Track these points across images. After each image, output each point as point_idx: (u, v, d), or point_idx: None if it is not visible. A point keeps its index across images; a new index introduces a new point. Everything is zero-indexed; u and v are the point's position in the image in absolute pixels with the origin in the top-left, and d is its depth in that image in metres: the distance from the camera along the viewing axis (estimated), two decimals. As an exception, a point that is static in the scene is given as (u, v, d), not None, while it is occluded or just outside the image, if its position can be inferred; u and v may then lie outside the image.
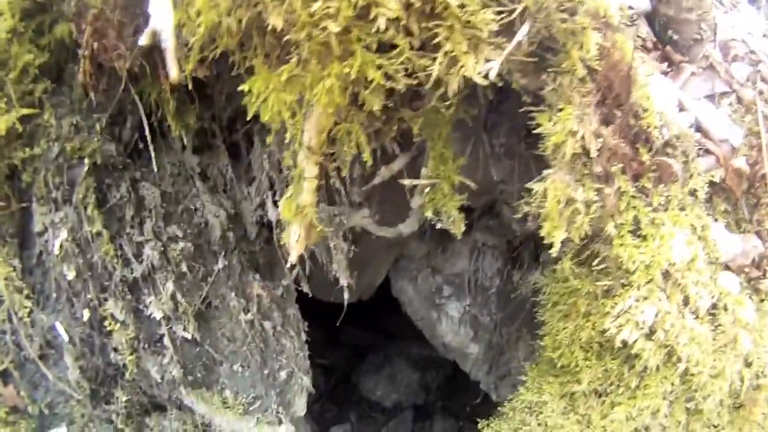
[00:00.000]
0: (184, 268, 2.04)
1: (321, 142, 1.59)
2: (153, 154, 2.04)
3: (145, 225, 2.03)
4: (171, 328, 2.04)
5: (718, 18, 2.22)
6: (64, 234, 2.01)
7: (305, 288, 2.26)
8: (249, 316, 2.14)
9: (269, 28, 1.34)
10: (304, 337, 2.31)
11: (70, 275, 1.99)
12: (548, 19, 1.44)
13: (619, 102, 1.70)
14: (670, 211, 1.77)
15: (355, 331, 4.81)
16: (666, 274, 1.75)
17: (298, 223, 1.66)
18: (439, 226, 1.85)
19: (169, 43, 1.52)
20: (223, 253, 2.13)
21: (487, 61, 1.47)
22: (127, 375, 2.02)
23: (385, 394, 4.48)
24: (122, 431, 2.06)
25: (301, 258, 2.17)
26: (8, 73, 2.02)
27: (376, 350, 4.81)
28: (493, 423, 2.23)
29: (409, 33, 1.36)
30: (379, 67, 1.40)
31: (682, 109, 1.97)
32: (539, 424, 2.02)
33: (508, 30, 1.44)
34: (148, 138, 2.03)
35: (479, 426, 2.25)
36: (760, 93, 2.11)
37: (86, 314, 2.00)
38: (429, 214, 1.83)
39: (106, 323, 2.00)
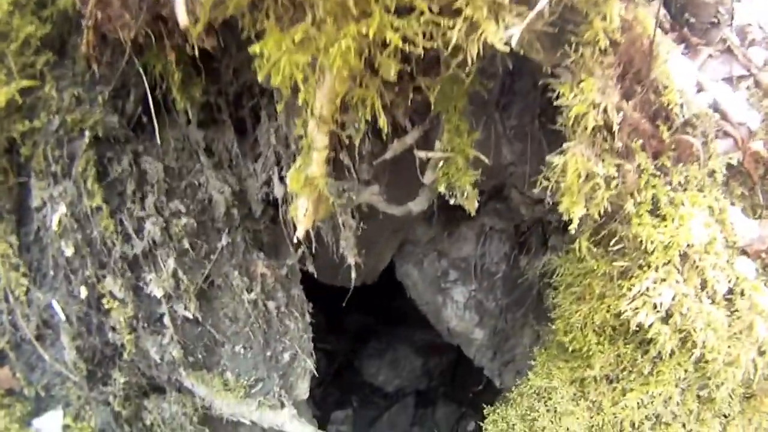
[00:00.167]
0: (186, 244, 1.95)
1: (333, 111, 1.51)
2: (156, 127, 1.95)
3: (146, 200, 1.94)
4: (172, 306, 1.95)
5: (735, 3, 2.16)
6: (62, 209, 1.91)
7: (310, 268, 2.17)
8: (252, 295, 2.05)
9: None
10: (308, 318, 2.22)
11: (68, 251, 1.90)
12: (571, -13, 1.36)
13: (639, 77, 1.63)
14: (689, 191, 1.70)
15: (358, 316, 4.74)
16: (684, 256, 1.68)
17: (306, 195, 1.58)
18: (452, 201, 1.76)
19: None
20: (226, 231, 2.04)
21: (508, 28, 1.39)
22: (125, 355, 1.93)
23: (388, 379, 4.43)
24: (119, 414, 1.96)
25: (307, 237, 2.08)
26: (9, 45, 1.93)
27: (379, 335, 4.76)
28: (498, 409, 2.15)
29: (428, -5, 1.28)
30: (397, 29, 1.31)
31: (700, 89, 1.90)
32: (548, 411, 1.95)
33: (529, -3, 1.36)
34: (152, 111, 1.94)
35: (485, 412, 2.17)
36: (778, 78, 2.04)
37: (84, 292, 1.90)
38: (442, 189, 1.75)
39: (104, 301, 1.91)
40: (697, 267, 1.70)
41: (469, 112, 1.85)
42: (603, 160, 1.50)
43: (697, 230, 1.67)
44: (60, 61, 1.97)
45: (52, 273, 1.96)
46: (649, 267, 1.65)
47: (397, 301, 3.66)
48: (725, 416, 1.96)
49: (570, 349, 1.89)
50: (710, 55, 2.09)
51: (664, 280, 1.65)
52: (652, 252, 1.64)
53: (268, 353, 2.08)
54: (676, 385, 1.80)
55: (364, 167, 1.96)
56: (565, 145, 1.48)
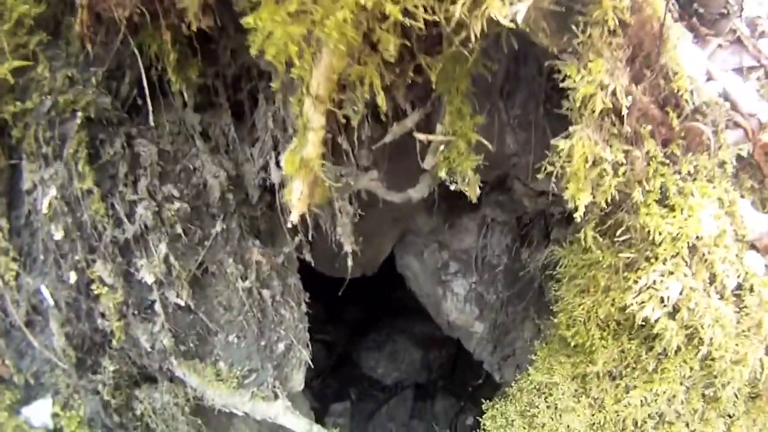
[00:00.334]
0: (179, 229, 1.85)
1: (330, 89, 1.40)
2: (150, 109, 1.86)
3: (139, 183, 1.84)
4: (163, 293, 1.85)
5: (745, -5, 2.06)
6: (53, 191, 1.82)
7: (307, 256, 2.07)
8: (247, 283, 1.95)
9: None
10: (304, 308, 2.12)
11: (58, 235, 1.80)
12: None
13: (649, 61, 1.53)
14: (699, 181, 1.60)
15: (357, 307, 4.62)
16: (693, 249, 1.58)
17: (301, 178, 1.48)
18: (453, 187, 1.65)
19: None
20: (221, 216, 1.94)
21: (513, 4, 1.29)
22: (114, 343, 1.82)
23: (386, 372, 4.33)
24: (108, 403, 1.86)
25: (304, 223, 1.98)
26: (2, 25, 1.85)
27: (378, 327, 4.67)
28: (498, 404, 2.05)
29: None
30: (397, 2, 1.22)
31: (710, 79, 1.80)
32: (548, 407, 1.85)
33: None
34: (146, 92, 1.84)
35: (483, 407, 2.07)
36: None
37: (73, 277, 1.81)
38: (442, 174, 1.64)
39: (93, 287, 1.81)
40: (705, 260, 1.60)
41: (473, 97, 1.75)
42: (611, 146, 1.40)
43: (707, 222, 1.57)
44: (54, 41, 1.89)
45: (42, 257, 1.87)
46: (656, 259, 1.55)
47: (398, 293, 3.56)
48: (730, 416, 1.86)
49: (572, 343, 1.79)
50: (720, 46, 2.00)
51: (671, 273, 1.56)
52: (660, 243, 1.54)
53: (263, 343, 1.97)
54: (681, 383, 1.70)
55: (363, 153, 1.86)
56: (571, 129, 1.37)
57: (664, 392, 1.73)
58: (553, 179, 1.41)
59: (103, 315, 1.82)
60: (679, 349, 1.63)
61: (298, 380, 2.04)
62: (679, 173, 1.57)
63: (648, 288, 1.56)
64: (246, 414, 1.92)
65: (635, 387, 1.73)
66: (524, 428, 1.87)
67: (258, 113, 1.93)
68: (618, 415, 1.74)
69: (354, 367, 4.44)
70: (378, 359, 4.37)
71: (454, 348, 4.04)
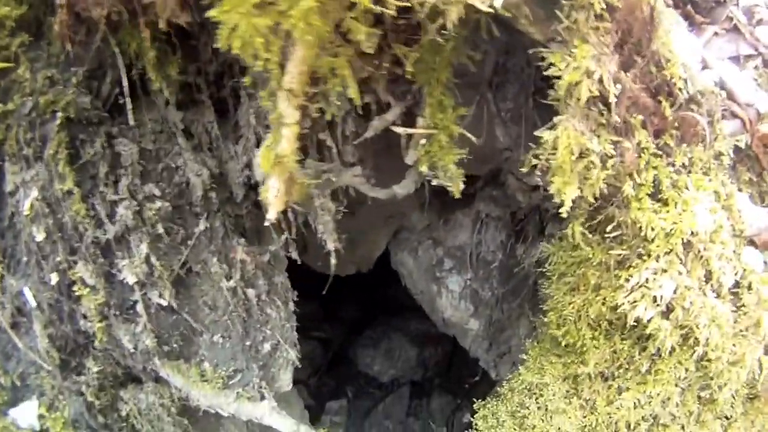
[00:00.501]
0: (160, 229, 1.76)
1: (303, 83, 1.29)
2: (130, 107, 1.76)
3: (119, 183, 1.75)
4: (145, 294, 1.76)
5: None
6: (34, 193, 1.74)
7: (294, 254, 1.96)
8: (231, 282, 1.85)
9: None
10: (292, 307, 2.02)
11: (40, 237, 1.72)
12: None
13: (639, 48, 1.40)
14: (694, 174, 1.48)
15: (354, 305, 4.50)
16: (687, 245, 1.45)
17: (276, 175, 1.37)
18: (435, 182, 1.54)
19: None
20: (205, 215, 1.84)
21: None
22: (96, 343, 1.73)
23: (383, 369, 4.20)
24: (92, 404, 1.77)
25: (287, 221, 1.88)
26: (-17, 27, 1.75)
27: (374, 325, 4.53)
28: (489, 404, 1.93)
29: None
30: (366, -13, 1.09)
31: (705, 67, 1.66)
32: (539, 408, 1.73)
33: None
34: (126, 91, 1.74)
35: (475, 406, 1.95)
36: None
37: (54, 278, 1.72)
38: (424, 168, 1.52)
39: (75, 288, 1.72)
40: (701, 257, 1.48)
41: (460, 89, 1.63)
42: (598, 136, 1.28)
43: (702, 217, 1.44)
44: (35, 42, 1.82)
45: (25, 259, 1.78)
46: (649, 256, 1.43)
47: (394, 290, 3.43)
48: (727, 418, 1.73)
49: (563, 343, 1.67)
50: (716, 34, 1.86)
51: (665, 270, 1.44)
52: (653, 240, 1.42)
53: (248, 343, 1.87)
54: (676, 385, 1.58)
55: (348, 149, 1.75)
56: (556, 119, 1.25)
57: (658, 394, 1.61)
58: (538, 173, 1.29)
59: (85, 316, 1.74)
60: (673, 349, 1.51)
61: (285, 380, 1.94)
62: (673, 165, 1.44)
63: (640, 287, 1.44)
64: (232, 415, 1.82)
65: (628, 389, 1.60)
66: (515, 429, 1.76)
67: (241, 109, 1.83)
68: (610, 418, 1.62)
69: (350, 365, 4.32)
70: (374, 357, 4.23)
71: (450, 345, 3.90)
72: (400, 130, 1.48)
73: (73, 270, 1.71)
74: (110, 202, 1.73)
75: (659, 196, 1.42)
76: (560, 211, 1.30)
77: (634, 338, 1.58)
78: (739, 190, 1.65)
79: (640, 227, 1.40)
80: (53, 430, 1.81)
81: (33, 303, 1.75)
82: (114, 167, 1.75)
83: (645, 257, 1.43)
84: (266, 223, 1.44)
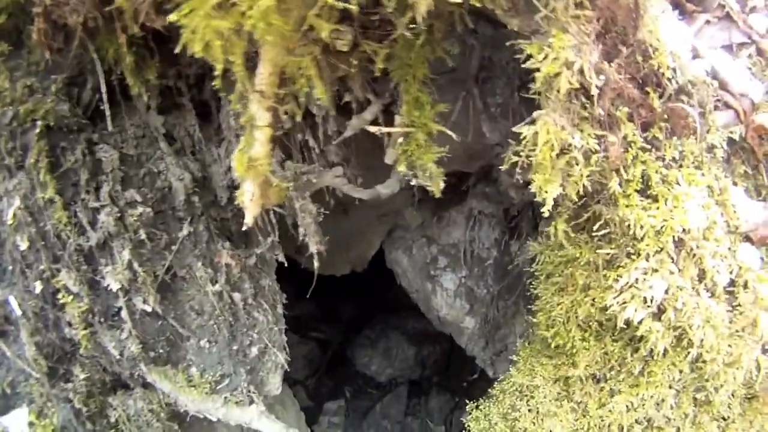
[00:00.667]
0: (142, 235, 1.68)
1: (273, 84, 1.20)
2: (108, 114, 1.69)
3: (101, 190, 1.68)
4: (129, 300, 1.68)
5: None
6: (17, 202, 1.67)
7: (281, 257, 1.87)
8: (217, 287, 1.77)
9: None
10: (281, 310, 1.93)
11: (23, 245, 1.66)
12: None
13: (624, 37, 1.28)
14: (685, 168, 1.36)
15: (351, 305, 4.38)
16: (679, 243, 1.34)
17: (251, 179, 1.28)
18: (414, 182, 1.44)
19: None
20: (188, 220, 1.76)
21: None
22: (82, 351, 1.66)
23: (380, 368, 4.08)
24: (80, 411, 1.70)
25: (271, 223, 1.79)
26: (-38, 37, 1.69)
27: (371, 324, 4.41)
28: (482, 405, 1.84)
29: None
30: (325, -19, 1.00)
31: (696, 56, 1.54)
32: (530, 410, 1.63)
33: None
34: (104, 96, 1.66)
35: (467, 408, 1.85)
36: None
37: (38, 286, 1.66)
38: (402, 168, 1.42)
39: (59, 296, 1.65)
40: (694, 255, 1.37)
41: (444, 85, 1.52)
42: (581, 131, 1.17)
43: (695, 213, 1.33)
44: (15, 51, 1.76)
45: (10, 268, 1.71)
46: (638, 255, 1.33)
47: (391, 289, 3.32)
48: (724, 419, 1.62)
49: (553, 344, 1.57)
50: (707, 22, 1.72)
51: (655, 270, 1.33)
52: (642, 238, 1.31)
53: (235, 347, 1.79)
54: (670, 387, 1.47)
55: (331, 148, 1.65)
56: (535, 113, 1.14)
57: (652, 397, 1.50)
58: (519, 170, 1.18)
59: (70, 324, 1.67)
60: (666, 351, 1.40)
61: (274, 384, 1.86)
62: (663, 160, 1.33)
63: (630, 287, 1.33)
64: (220, 420, 1.74)
65: (620, 391, 1.50)
66: (506, 432, 1.66)
67: (222, 112, 1.74)
68: (602, 421, 1.52)
69: (348, 365, 4.21)
70: (371, 356, 4.12)
71: (448, 344, 3.78)
72: (374, 129, 1.38)
73: (56, 278, 1.65)
74: (92, 209, 1.66)
75: (648, 192, 1.31)
76: (542, 210, 1.19)
77: (625, 340, 1.48)
78: (734, 183, 1.53)
79: (629, 225, 1.29)
80: (43, 438, 1.75)
81: (18, 312, 1.68)
82: (95, 174, 1.68)
83: (634, 256, 1.32)
84: (244, 228, 1.36)
